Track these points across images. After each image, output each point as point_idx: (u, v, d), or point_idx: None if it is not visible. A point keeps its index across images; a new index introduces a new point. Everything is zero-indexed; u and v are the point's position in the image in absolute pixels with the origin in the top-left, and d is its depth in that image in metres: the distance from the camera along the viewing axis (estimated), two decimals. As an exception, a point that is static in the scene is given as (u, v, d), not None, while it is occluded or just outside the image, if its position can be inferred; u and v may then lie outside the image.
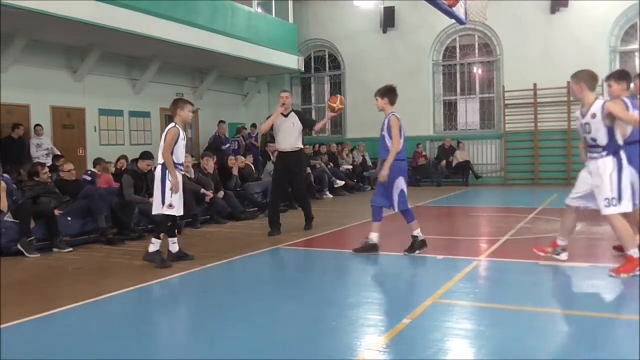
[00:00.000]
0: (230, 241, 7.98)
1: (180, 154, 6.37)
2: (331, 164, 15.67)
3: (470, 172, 16.74)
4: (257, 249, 7.17)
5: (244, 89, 19.07)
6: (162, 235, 6.27)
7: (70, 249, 7.40)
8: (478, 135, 17.46)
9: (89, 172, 10.16)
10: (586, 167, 5.44)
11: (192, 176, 9.86)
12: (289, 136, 8.39)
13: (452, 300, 4.66)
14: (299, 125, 8.49)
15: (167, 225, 6.36)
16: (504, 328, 4.01)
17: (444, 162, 16.91)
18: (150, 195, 6.96)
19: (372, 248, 6.57)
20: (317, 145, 16.53)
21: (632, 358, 3.28)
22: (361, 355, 3.46)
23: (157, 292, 5.43)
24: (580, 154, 5.83)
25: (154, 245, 6.22)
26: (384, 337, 3.76)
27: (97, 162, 10.21)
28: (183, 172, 9.56)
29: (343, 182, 14.72)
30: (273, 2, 17.11)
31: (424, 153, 17.51)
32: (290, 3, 17.72)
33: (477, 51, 17.68)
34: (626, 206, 5.17)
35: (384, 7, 17.72)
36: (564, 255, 5.73)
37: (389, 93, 6.58)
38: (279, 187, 8.68)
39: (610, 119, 5.13)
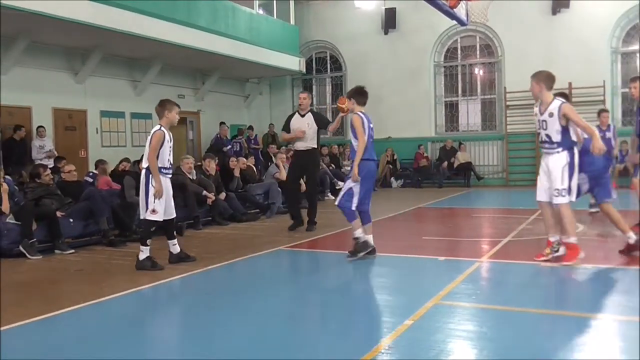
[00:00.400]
0: (232, 243, 7.97)
1: (165, 158, 6.23)
2: (333, 165, 15.67)
3: (472, 173, 16.73)
4: (259, 250, 7.16)
5: (245, 91, 19.09)
6: (148, 241, 6.19)
7: (72, 250, 7.39)
8: (480, 137, 17.45)
9: (91, 173, 10.19)
10: (542, 164, 5.87)
11: (194, 178, 9.85)
12: (304, 136, 8.54)
13: (454, 302, 4.65)
14: (314, 125, 8.62)
15: (151, 231, 6.26)
16: (506, 329, 4.00)
17: (445, 163, 16.91)
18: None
19: (363, 246, 6.34)
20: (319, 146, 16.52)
21: (633, 358, 3.27)
22: (363, 356, 3.45)
23: (159, 294, 5.43)
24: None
25: (143, 252, 6.16)
26: (386, 338, 3.75)
27: (98, 163, 10.23)
28: (186, 174, 9.65)
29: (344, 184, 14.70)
30: (274, 3, 17.13)
31: (425, 154, 17.52)
32: (292, 4, 17.74)
33: (478, 52, 17.68)
34: (573, 197, 5.72)
35: (385, 9, 17.73)
36: (562, 250, 5.89)
37: (356, 94, 6.54)
38: (293, 184, 8.95)
39: (565, 119, 5.60)
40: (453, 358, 3.48)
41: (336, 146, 16.94)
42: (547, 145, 5.76)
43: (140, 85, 14.42)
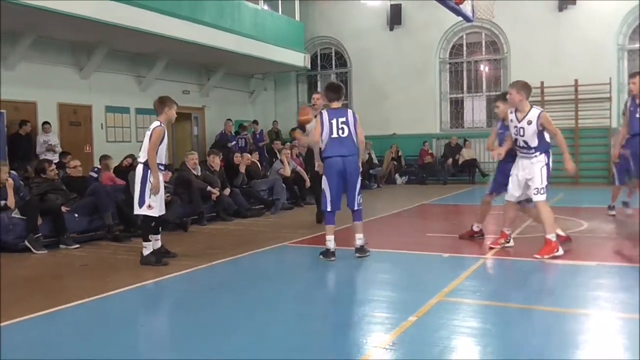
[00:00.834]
0: (237, 238, 7.99)
1: (162, 154, 6.27)
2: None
3: (477, 170, 16.69)
4: (263, 246, 7.17)
5: (250, 87, 19.08)
6: (150, 236, 6.24)
7: (77, 245, 7.43)
8: (485, 134, 17.34)
9: (96, 169, 10.19)
10: (516, 166, 6.22)
11: (199, 174, 9.86)
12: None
13: (458, 299, 4.65)
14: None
15: (151, 226, 6.29)
16: (510, 326, 4.00)
17: (450, 160, 16.88)
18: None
19: (325, 253, 6.24)
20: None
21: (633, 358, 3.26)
22: (367, 353, 3.45)
23: (164, 289, 5.44)
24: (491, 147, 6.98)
25: (146, 248, 6.21)
26: (390, 334, 3.75)
27: (102, 159, 10.24)
28: (191, 171, 9.66)
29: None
30: (279, -1, 17.11)
31: (430, 151, 17.49)
32: (297, 0, 17.70)
33: (484, 49, 17.62)
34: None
35: (391, 5, 17.68)
36: (512, 242, 6.57)
37: (326, 90, 6.42)
38: (316, 181, 8.84)
39: (542, 127, 5.99)
40: (457, 355, 3.48)
41: None
42: (525, 151, 6.13)
43: (145, 81, 14.42)
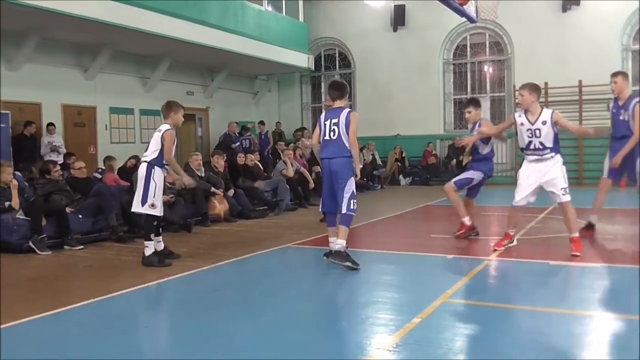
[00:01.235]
0: (240, 239, 7.99)
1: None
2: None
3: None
4: (267, 247, 7.18)
5: (254, 88, 19.10)
6: (152, 235, 6.26)
7: (81, 246, 7.44)
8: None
9: (100, 170, 10.21)
10: (529, 171, 6.21)
11: (203, 175, 9.87)
12: None
13: (462, 300, 4.64)
14: None
15: (153, 226, 6.30)
16: (514, 328, 3.99)
17: (454, 161, 16.80)
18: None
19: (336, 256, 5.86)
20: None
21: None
22: (371, 354, 3.45)
23: (168, 290, 5.45)
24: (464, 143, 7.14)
25: (149, 248, 6.22)
26: (393, 336, 3.75)
27: (106, 160, 10.26)
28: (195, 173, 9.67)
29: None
30: (283, 0, 17.11)
31: (434, 152, 17.46)
32: (301, 2, 17.71)
33: (488, 50, 17.60)
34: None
35: (395, 6, 17.67)
36: (515, 241, 6.58)
37: (328, 89, 6.34)
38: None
39: (557, 126, 6.05)
40: (461, 356, 3.48)
41: None
42: (539, 153, 6.12)
43: (149, 82, 14.45)
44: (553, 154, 6.09)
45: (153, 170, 6.18)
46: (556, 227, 7.93)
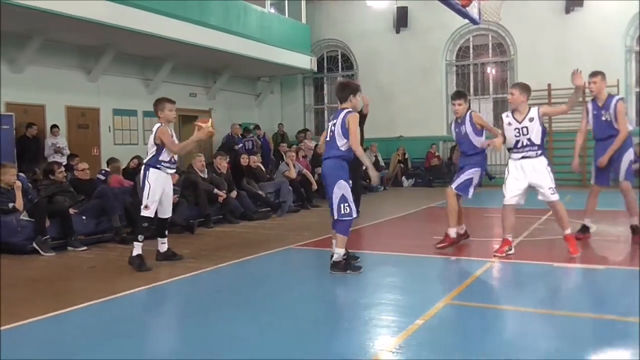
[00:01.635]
0: (243, 241, 8.00)
1: (167, 153, 6.26)
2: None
3: (484, 172, 16.61)
4: (269, 248, 7.18)
5: (256, 89, 19.12)
6: (140, 237, 6.09)
7: (85, 247, 7.45)
8: (491, 136, 17.30)
9: (103, 171, 10.23)
10: (516, 169, 6.20)
11: (206, 176, 9.89)
12: None
13: (465, 302, 4.64)
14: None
15: (143, 227, 6.17)
16: (517, 330, 3.99)
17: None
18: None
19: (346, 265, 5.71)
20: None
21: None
22: (374, 356, 3.45)
23: (171, 291, 5.46)
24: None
25: (136, 249, 6.09)
26: (396, 338, 3.74)
27: (110, 161, 10.28)
28: (198, 173, 9.68)
29: (355, 183, 14.68)
30: (286, 2, 17.12)
31: (437, 153, 17.45)
32: (303, 3, 17.72)
33: (490, 51, 17.59)
34: None
35: (397, 7, 17.68)
36: (513, 250, 6.37)
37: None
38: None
39: (547, 115, 6.26)
40: (464, 358, 3.47)
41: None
42: (527, 150, 6.14)
43: (152, 84, 14.47)
44: (540, 151, 6.13)
45: (148, 171, 6.18)
46: (559, 229, 7.92)
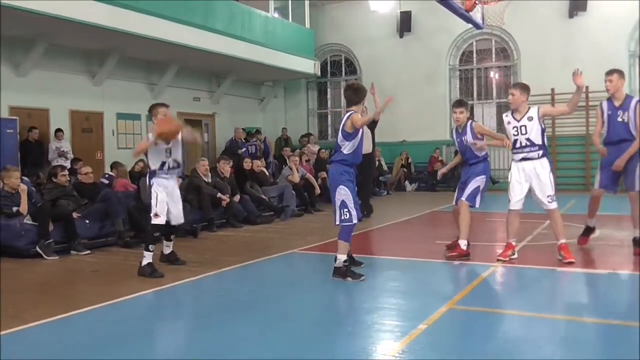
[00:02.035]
0: (246, 245, 8.00)
1: (156, 159, 6.10)
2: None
3: (489, 179, 16.58)
4: (272, 253, 7.18)
5: (260, 94, 19.15)
6: (151, 247, 5.99)
7: (88, 251, 7.46)
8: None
9: (107, 175, 10.25)
10: (518, 172, 6.15)
11: (209, 180, 9.90)
12: (365, 141, 8.89)
13: (468, 307, 4.63)
14: (367, 132, 9.09)
15: (154, 236, 6.10)
16: (520, 334, 3.97)
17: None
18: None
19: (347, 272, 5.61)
20: (332, 150, 16.46)
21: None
22: (377, 360, 3.45)
23: (174, 295, 5.45)
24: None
25: (146, 258, 5.97)
26: (399, 342, 3.74)
27: (114, 165, 10.30)
28: (202, 177, 9.69)
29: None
30: (290, 6, 17.17)
31: (440, 158, 17.44)
32: (307, 8, 17.77)
33: (494, 56, 17.58)
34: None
35: (401, 12, 17.69)
36: (516, 254, 6.35)
37: None
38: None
39: (547, 115, 6.22)
40: (467, 363, 3.46)
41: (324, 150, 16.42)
42: (527, 150, 6.09)
43: (156, 88, 14.52)
44: (541, 152, 6.06)
45: (152, 179, 6.09)
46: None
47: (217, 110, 16.96)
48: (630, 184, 6.37)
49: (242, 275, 6.17)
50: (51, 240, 7.25)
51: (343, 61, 19.63)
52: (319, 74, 18.35)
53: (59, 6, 9.78)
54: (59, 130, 11.89)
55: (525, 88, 6.23)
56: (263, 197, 10.96)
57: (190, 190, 9.42)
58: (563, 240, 6.11)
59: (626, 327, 4.04)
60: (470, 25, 13.01)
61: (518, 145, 6.14)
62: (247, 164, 11.60)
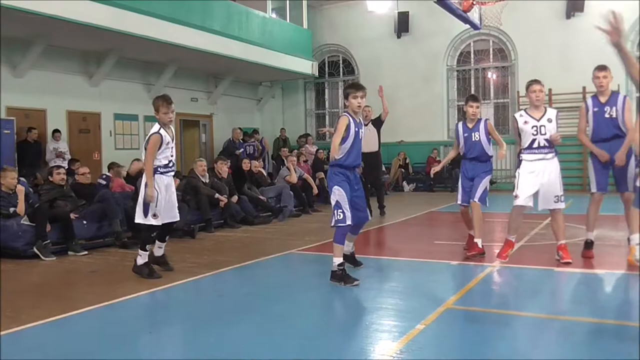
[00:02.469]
0: (244, 246, 8.00)
1: (163, 157, 5.84)
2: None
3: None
4: (270, 253, 7.18)
5: (258, 94, 19.15)
6: (148, 246, 5.94)
7: (86, 252, 7.45)
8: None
9: (104, 176, 10.23)
10: (530, 170, 6.08)
11: (207, 181, 9.90)
12: (370, 140, 9.50)
13: (466, 307, 4.63)
14: (374, 130, 10.46)
15: (150, 237, 6.02)
16: (518, 335, 3.98)
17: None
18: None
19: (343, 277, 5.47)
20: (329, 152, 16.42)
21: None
22: (375, 360, 3.45)
23: (172, 296, 5.45)
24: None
25: (141, 257, 5.91)
26: (397, 342, 3.74)
27: (112, 166, 10.28)
28: (203, 178, 9.68)
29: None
30: (287, 7, 17.18)
31: (438, 159, 17.44)
32: (305, 8, 17.78)
33: (491, 56, 17.61)
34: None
35: (398, 13, 17.72)
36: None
37: None
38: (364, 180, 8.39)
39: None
40: (465, 363, 3.47)
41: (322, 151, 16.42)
42: (546, 150, 6.07)
43: (154, 89, 14.49)
44: (554, 153, 6.10)
45: (152, 178, 5.81)
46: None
47: (215, 111, 16.96)
48: (624, 184, 6.24)
49: (239, 276, 6.16)
50: (48, 241, 7.23)
51: (341, 62, 19.65)
52: (317, 74, 18.36)
53: (56, 7, 9.77)
54: (56, 131, 11.88)
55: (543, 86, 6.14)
56: (261, 197, 10.96)
57: (188, 190, 9.42)
58: (563, 241, 6.12)
59: (625, 327, 4.06)
60: (467, 26, 13.02)
61: (536, 145, 6.05)
62: (245, 164, 11.60)
